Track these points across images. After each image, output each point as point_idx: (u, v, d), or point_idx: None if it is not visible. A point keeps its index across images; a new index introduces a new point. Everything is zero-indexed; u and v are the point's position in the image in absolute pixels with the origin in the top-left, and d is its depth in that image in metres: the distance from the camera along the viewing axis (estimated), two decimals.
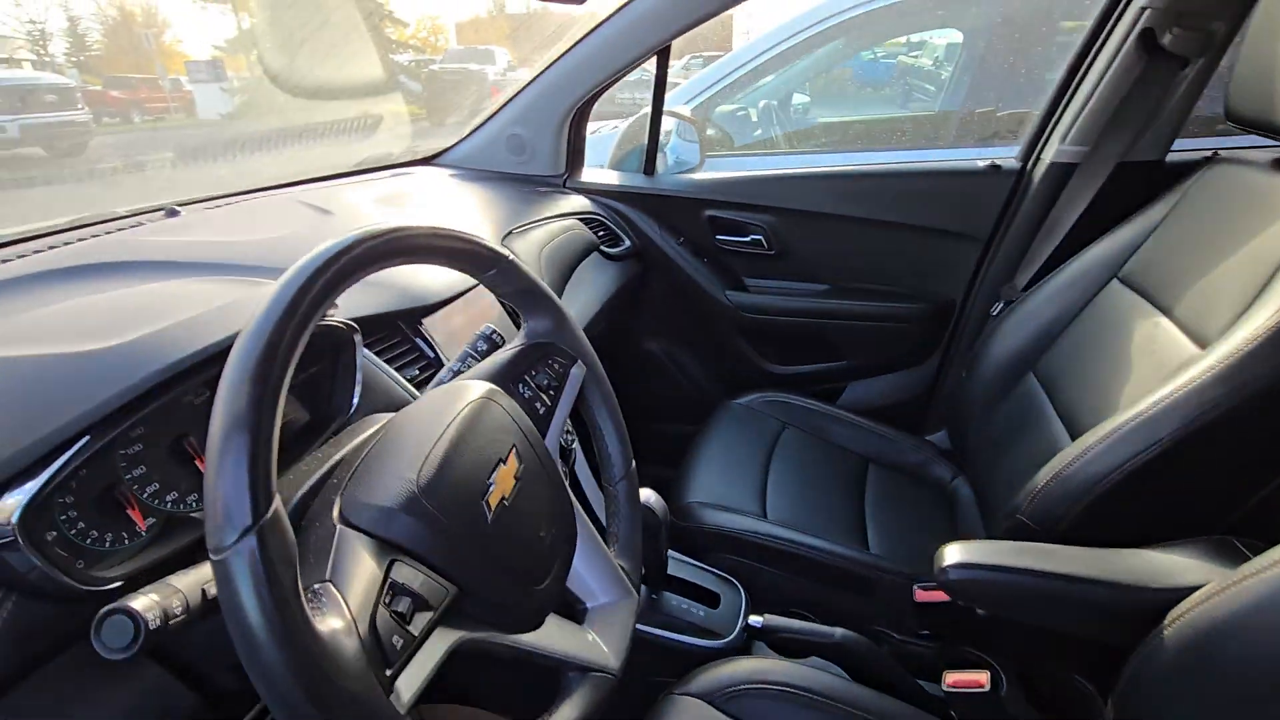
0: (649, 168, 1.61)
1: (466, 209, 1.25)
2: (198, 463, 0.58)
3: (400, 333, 0.83)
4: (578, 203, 1.50)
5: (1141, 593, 0.71)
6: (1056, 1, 2.22)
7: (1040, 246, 1.32)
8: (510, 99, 1.48)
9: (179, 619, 0.38)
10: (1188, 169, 1.10)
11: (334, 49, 1.58)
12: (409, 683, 0.40)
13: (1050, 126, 1.33)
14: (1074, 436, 1.02)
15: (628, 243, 1.55)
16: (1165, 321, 0.98)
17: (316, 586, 0.40)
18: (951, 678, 0.81)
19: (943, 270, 1.51)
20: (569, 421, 0.71)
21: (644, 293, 1.63)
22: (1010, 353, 1.26)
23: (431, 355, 0.85)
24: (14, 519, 0.42)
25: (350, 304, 0.74)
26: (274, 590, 0.33)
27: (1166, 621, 0.65)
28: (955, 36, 3.08)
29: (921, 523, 1.24)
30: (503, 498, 0.50)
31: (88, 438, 0.46)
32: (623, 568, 0.63)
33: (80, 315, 0.57)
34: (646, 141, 1.58)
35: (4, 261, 0.74)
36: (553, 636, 0.53)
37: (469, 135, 1.55)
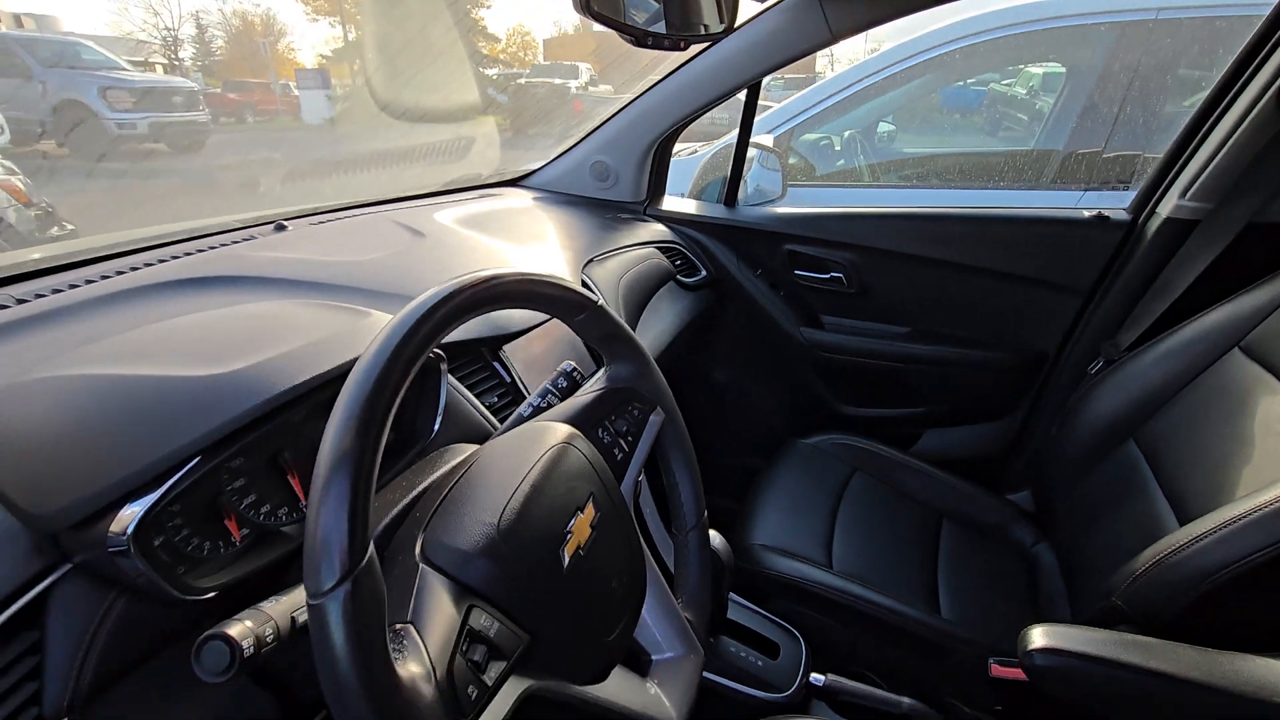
0: (730, 199, 1.60)
1: (550, 234, 1.28)
2: (291, 478, 0.60)
3: (482, 359, 0.85)
4: (656, 230, 1.50)
5: (1264, 707, 0.64)
6: (1163, 39, 2.09)
7: (1149, 305, 1.24)
8: (597, 127, 1.51)
9: (270, 645, 0.40)
10: None
11: (438, 77, 1.65)
12: None
13: (1168, 181, 1.24)
14: (1181, 519, 0.94)
15: (704, 272, 1.54)
16: None
17: (399, 627, 0.40)
18: None
19: (1035, 321, 1.43)
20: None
21: (717, 322, 1.62)
22: (1110, 415, 1.18)
23: (509, 382, 0.87)
24: (129, 530, 0.45)
25: None
26: (363, 638, 0.34)
27: None
28: (1055, 65, 2.95)
29: (999, 588, 1.17)
30: (579, 547, 0.50)
31: (199, 459, 0.49)
32: (689, 621, 0.62)
33: (199, 334, 0.61)
34: (729, 172, 1.58)
35: (132, 270, 0.80)
36: (618, 690, 0.52)
37: (555, 159, 1.58)
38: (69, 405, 0.50)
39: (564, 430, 0.56)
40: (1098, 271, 1.33)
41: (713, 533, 0.88)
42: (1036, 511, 1.34)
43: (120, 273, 0.79)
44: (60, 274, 0.77)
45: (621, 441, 0.62)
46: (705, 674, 0.92)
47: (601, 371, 0.65)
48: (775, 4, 1.21)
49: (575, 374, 0.70)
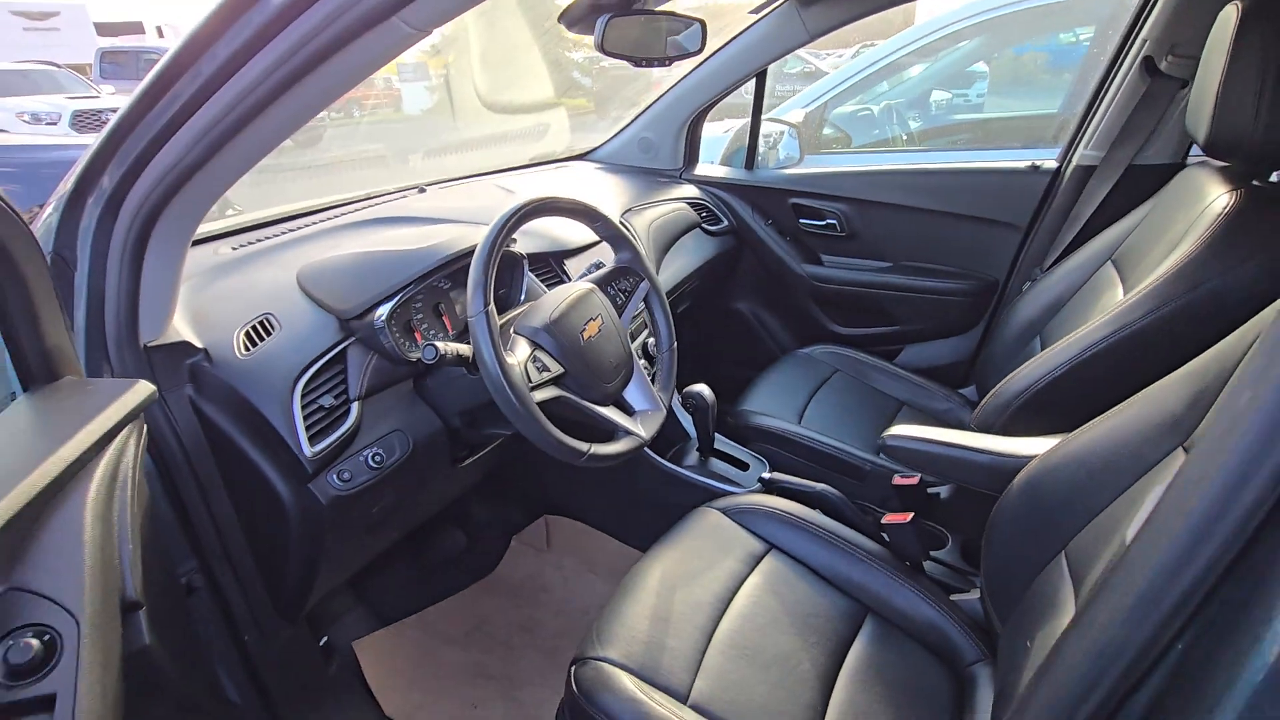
0: (749, 163, 2.02)
1: (604, 192, 1.76)
2: (444, 319, 1.12)
3: (550, 265, 1.34)
4: (688, 190, 1.95)
5: (1010, 459, 1.04)
6: None
7: (1064, 235, 1.57)
8: (642, 111, 1.97)
9: (449, 359, 0.90)
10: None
11: (519, 73, 2.16)
12: (537, 396, 0.89)
13: (1080, 133, 1.56)
14: None
15: (725, 222, 1.98)
16: (1120, 288, 1.25)
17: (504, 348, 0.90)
18: (887, 517, 1.17)
19: (988, 254, 1.78)
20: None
21: (738, 264, 2.05)
22: (1026, 321, 1.53)
23: (568, 281, 1.36)
24: (384, 316, 0.97)
25: (524, 244, 1.27)
26: (491, 335, 0.84)
27: (1018, 476, 0.99)
28: None
29: None
30: (590, 336, 0.98)
31: (412, 284, 1.01)
32: (659, 396, 1.10)
33: (400, 235, 1.14)
34: (748, 142, 2.00)
35: (350, 213, 1.35)
36: (610, 413, 1.01)
37: (611, 138, 2.06)
38: (352, 262, 1.03)
39: (589, 285, 1.04)
40: (1032, 211, 1.66)
41: (703, 385, 1.35)
42: (977, 399, 1.70)
43: (336, 216, 1.35)
44: (303, 218, 1.32)
45: (621, 295, 1.10)
46: (698, 476, 1.39)
47: (614, 257, 1.13)
48: (766, 15, 1.62)
49: (601, 265, 1.18)
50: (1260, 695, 0.29)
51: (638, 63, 1.16)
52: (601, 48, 1.10)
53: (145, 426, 0.68)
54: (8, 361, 0.59)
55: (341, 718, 1.25)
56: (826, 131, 2.95)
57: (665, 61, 1.19)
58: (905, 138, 3.24)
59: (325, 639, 1.31)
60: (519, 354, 0.91)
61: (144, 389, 0.63)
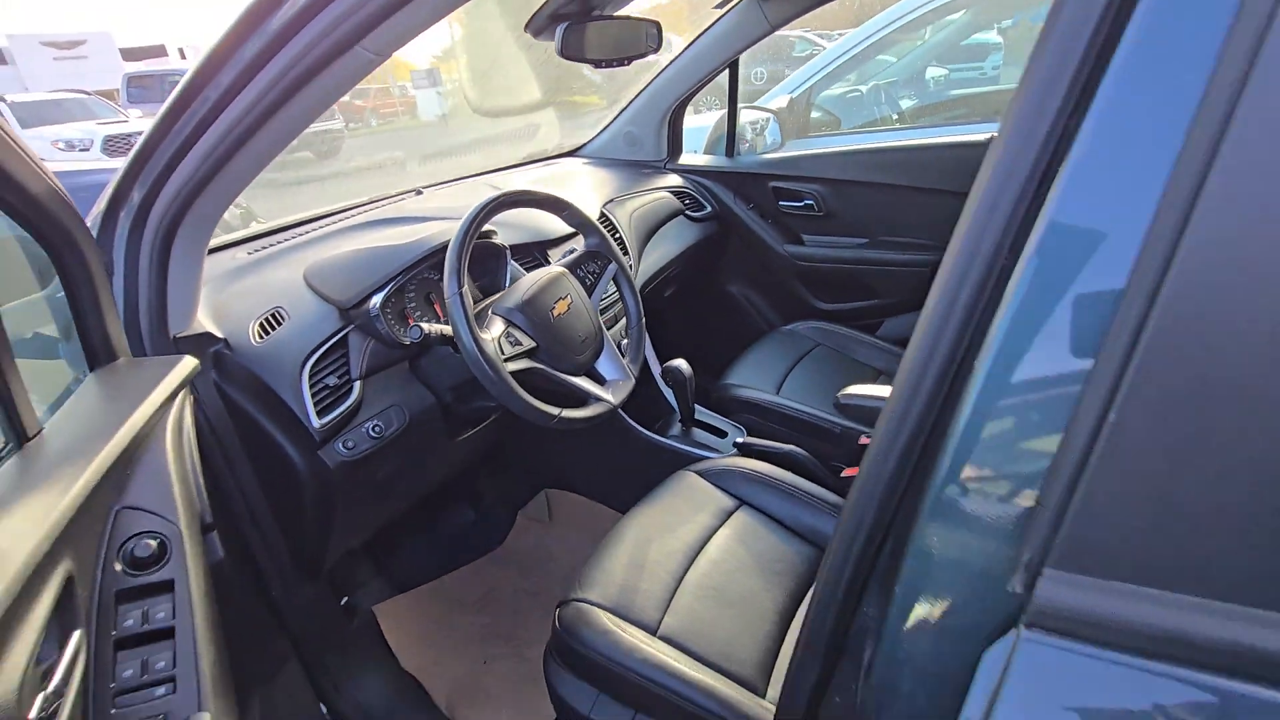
0: (729, 150, 2.12)
1: (588, 185, 1.87)
2: (435, 306, 1.25)
3: (534, 255, 1.47)
4: (672, 180, 2.06)
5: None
6: None
7: None
8: (625, 106, 2.08)
9: (434, 339, 1.03)
10: None
11: (511, 80, 2.29)
12: (511, 367, 1.01)
13: None
14: None
15: (709, 208, 2.08)
16: None
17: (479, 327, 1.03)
18: (846, 471, 1.27)
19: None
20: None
21: (724, 248, 2.15)
22: None
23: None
24: (377, 304, 1.10)
25: (509, 236, 1.39)
26: (465, 313, 0.96)
27: None
28: None
29: None
30: (560, 313, 1.10)
31: (401, 274, 1.14)
32: (628, 367, 1.21)
33: (394, 233, 1.27)
34: (727, 130, 2.10)
35: (353, 216, 1.49)
36: (582, 382, 1.13)
37: (599, 134, 2.17)
38: (350, 259, 1.17)
39: (560, 269, 1.16)
40: None
41: (682, 360, 1.46)
42: None
43: (341, 220, 1.49)
44: (312, 223, 1.46)
45: (589, 276, 1.21)
46: (679, 444, 1.50)
47: (583, 243, 1.25)
48: (729, 10, 1.72)
49: (574, 251, 1.30)
50: (933, 509, 0.39)
51: (598, 64, 1.27)
52: (563, 54, 1.21)
53: (193, 396, 0.82)
54: (69, 346, 0.73)
55: (364, 671, 1.39)
56: (814, 115, 3.01)
57: (624, 62, 1.30)
58: (895, 118, 3.29)
59: (346, 599, 1.46)
60: (494, 330, 1.03)
61: (190, 363, 0.79)
